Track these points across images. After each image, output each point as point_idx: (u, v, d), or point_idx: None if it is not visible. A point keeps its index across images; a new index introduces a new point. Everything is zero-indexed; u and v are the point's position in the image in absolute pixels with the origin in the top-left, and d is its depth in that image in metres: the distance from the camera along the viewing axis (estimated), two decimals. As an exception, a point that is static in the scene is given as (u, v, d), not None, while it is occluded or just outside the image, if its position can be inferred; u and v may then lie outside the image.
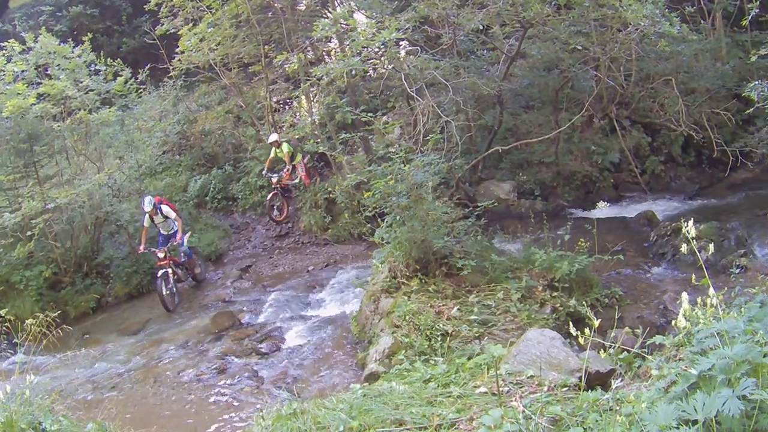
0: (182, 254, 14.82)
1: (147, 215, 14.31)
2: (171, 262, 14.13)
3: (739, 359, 3.33)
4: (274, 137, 17.25)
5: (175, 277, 14.38)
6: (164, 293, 13.72)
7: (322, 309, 13.11)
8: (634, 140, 17.48)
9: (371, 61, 16.66)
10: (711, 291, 3.99)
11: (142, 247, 14.37)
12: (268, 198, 17.39)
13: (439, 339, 8.87)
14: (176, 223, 14.60)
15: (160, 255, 14.01)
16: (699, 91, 16.55)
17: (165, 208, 14.42)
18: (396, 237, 10.60)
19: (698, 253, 4.05)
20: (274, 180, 17.19)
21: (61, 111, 15.88)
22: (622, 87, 16.09)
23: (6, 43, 15.03)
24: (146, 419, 8.94)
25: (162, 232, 14.77)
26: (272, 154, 17.27)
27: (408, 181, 10.21)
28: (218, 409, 9.18)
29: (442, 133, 13.07)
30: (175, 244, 14.46)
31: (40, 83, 15.21)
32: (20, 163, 15.56)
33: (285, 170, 17.32)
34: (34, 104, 14.66)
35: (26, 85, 14.67)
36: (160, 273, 13.90)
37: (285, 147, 17.06)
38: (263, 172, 17.57)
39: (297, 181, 17.80)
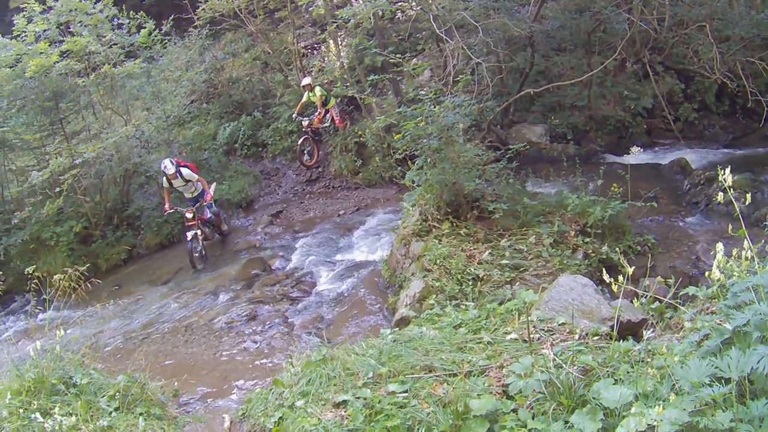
0: (209, 212, 14.40)
1: (165, 177, 13.74)
2: (199, 221, 13.84)
3: (776, 316, 3.26)
4: (307, 80, 17.17)
5: (203, 236, 14.07)
6: (194, 255, 13.53)
7: (353, 253, 13.08)
8: (668, 86, 17.14)
9: (399, 3, 16.42)
10: (746, 243, 3.91)
11: (167, 206, 13.99)
12: (299, 143, 17.34)
13: (470, 283, 8.83)
14: (200, 184, 14.14)
15: (189, 215, 13.58)
16: (733, 39, 16.14)
17: (186, 171, 13.77)
18: (427, 179, 10.50)
19: (735, 203, 3.95)
20: (305, 124, 17.13)
21: (85, 67, 15.85)
22: (655, 31, 15.72)
23: (26, 4, 14.98)
24: (178, 368, 9.08)
25: (187, 196, 14.32)
26: (304, 98, 17.18)
27: (438, 122, 10.06)
28: (249, 355, 9.26)
29: (473, 75, 12.91)
30: (204, 204, 14.15)
31: (63, 41, 15.18)
32: (46, 121, 15.65)
33: (316, 114, 17.24)
34: (58, 62, 14.65)
35: (49, 43, 14.66)
36: (190, 236, 13.54)
37: (318, 90, 16.96)
38: (293, 116, 17.51)
39: (328, 124, 17.72)
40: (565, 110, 17.27)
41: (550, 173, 13.38)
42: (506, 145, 12.57)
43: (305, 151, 17.55)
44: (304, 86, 17.14)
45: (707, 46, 14.59)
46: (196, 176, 14.03)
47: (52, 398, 6.11)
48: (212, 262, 13.87)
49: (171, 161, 13.57)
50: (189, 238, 13.54)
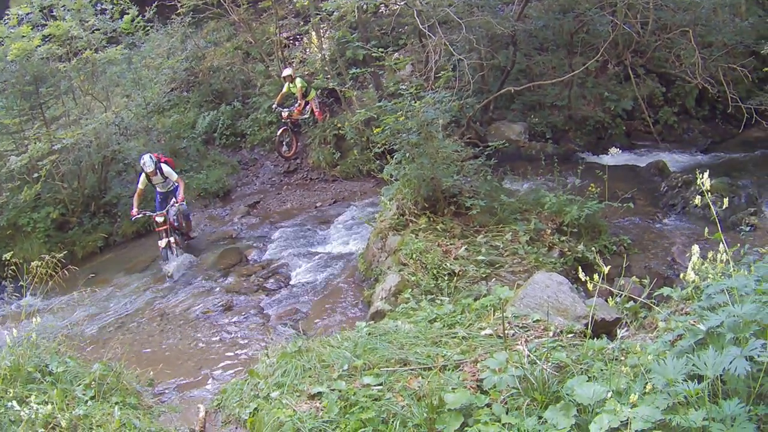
0: (178, 215, 13.37)
1: (143, 175, 13.03)
2: (170, 227, 12.96)
3: (749, 319, 3.30)
4: (287, 71, 17.15)
5: (176, 243, 13.05)
6: (174, 265, 12.64)
7: (330, 246, 13.09)
8: (648, 89, 17.26)
9: (383, -3, 16.42)
10: (722, 246, 3.95)
11: (135, 211, 13.00)
12: (278, 134, 17.34)
13: (445, 278, 8.87)
14: (177, 184, 13.29)
15: (159, 219, 12.77)
16: (716, 45, 16.23)
17: (165, 168, 13.12)
18: (405, 174, 10.53)
19: (712, 206, 4.00)
20: (285, 115, 17.14)
21: (66, 52, 15.78)
22: (638, 34, 15.79)
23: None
24: (153, 358, 9.09)
25: (159, 190, 13.46)
26: (284, 89, 17.17)
27: (418, 117, 10.08)
28: (224, 346, 9.27)
29: (454, 72, 12.94)
30: (176, 206, 13.06)
31: (46, 25, 15.08)
32: (26, 106, 15.44)
33: (296, 105, 17.22)
34: (39, 46, 14.54)
35: (31, 27, 14.55)
36: (163, 243, 12.78)
37: (298, 82, 16.96)
38: (273, 107, 17.48)
39: (307, 116, 17.70)
40: (544, 109, 17.38)
41: (528, 171, 13.43)
42: (485, 142, 12.63)
43: (284, 143, 17.53)
44: (284, 77, 17.12)
45: (690, 51, 14.67)
46: (176, 175, 13.29)
47: (28, 386, 6.08)
48: (188, 252, 13.75)
49: (151, 157, 12.90)
50: (162, 245, 12.80)
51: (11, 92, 15.17)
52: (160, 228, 12.80)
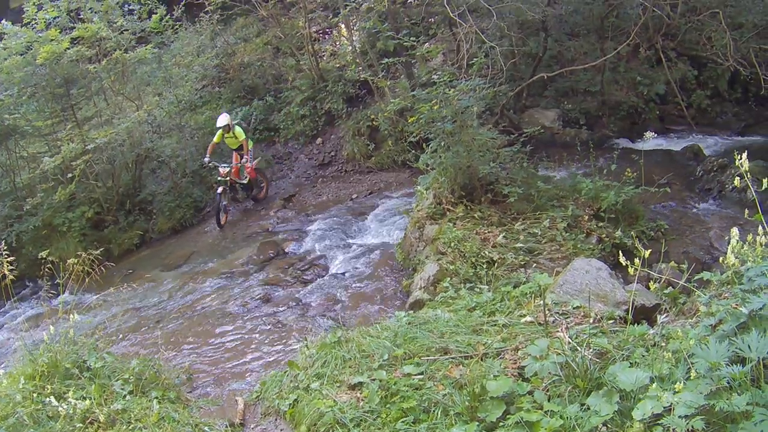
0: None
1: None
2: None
3: (792, 300, 3.28)
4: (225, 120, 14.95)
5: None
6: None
7: (366, 237, 13.12)
8: (680, 73, 17.03)
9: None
10: (761, 228, 3.92)
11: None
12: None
13: (484, 266, 8.86)
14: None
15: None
16: (746, 26, 15.97)
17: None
18: (441, 162, 10.52)
19: (751, 187, 3.96)
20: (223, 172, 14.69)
21: (96, 53, 15.94)
22: (668, 17, 15.62)
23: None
24: (191, 351, 9.16)
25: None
26: (215, 138, 15.16)
27: (453, 105, 10.09)
28: (263, 338, 9.31)
29: (486, 59, 12.89)
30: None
31: (74, 27, 15.22)
32: (57, 108, 15.66)
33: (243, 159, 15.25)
34: (68, 48, 14.67)
35: (59, 30, 14.70)
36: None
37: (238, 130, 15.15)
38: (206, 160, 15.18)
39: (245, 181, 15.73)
40: (578, 95, 17.24)
41: (563, 158, 13.35)
42: (519, 130, 12.59)
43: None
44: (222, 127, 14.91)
45: (720, 32, 14.49)
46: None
47: (65, 382, 6.18)
48: (225, 244, 13.88)
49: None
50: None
51: (42, 95, 15.43)
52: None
